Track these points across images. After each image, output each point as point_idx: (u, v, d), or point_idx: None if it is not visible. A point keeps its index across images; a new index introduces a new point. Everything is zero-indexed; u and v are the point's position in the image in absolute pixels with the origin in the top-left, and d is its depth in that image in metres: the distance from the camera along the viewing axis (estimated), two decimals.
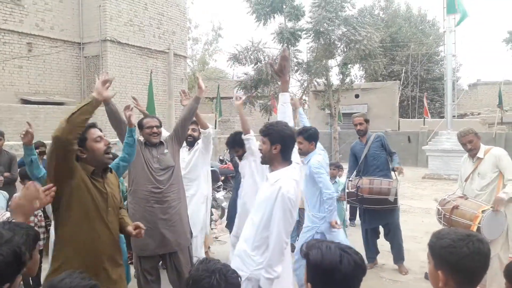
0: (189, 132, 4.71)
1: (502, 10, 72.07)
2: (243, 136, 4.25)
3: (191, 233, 4.17)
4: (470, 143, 4.24)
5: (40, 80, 14.54)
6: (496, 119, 17.09)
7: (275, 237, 2.49)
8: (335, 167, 6.22)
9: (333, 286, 1.48)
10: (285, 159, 2.65)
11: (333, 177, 5.97)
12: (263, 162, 2.76)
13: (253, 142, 4.18)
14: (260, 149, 2.76)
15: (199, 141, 4.81)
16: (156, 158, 3.78)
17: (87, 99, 2.34)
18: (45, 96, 14.39)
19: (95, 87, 2.39)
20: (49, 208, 4.53)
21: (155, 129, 3.86)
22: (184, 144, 4.53)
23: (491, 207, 3.91)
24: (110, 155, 2.55)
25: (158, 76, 16.98)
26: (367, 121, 5.29)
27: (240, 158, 4.61)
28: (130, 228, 2.64)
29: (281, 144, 2.60)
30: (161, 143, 3.90)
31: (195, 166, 4.74)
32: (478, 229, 3.77)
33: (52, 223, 4.43)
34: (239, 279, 1.61)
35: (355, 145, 5.42)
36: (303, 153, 4.05)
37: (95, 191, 2.43)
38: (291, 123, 2.86)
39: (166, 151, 3.86)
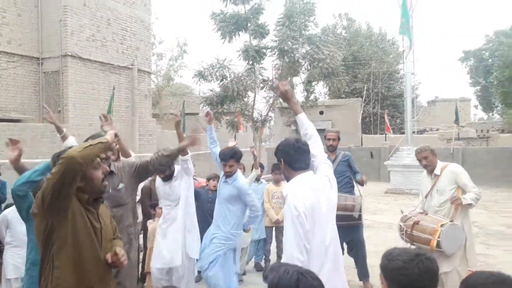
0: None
1: (458, 30, 76.25)
2: (181, 158, 4.06)
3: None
4: (425, 159, 4.37)
5: None
6: (453, 134, 17.82)
7: (285, 255, 2.29)
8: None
9: None
10: (296, 168, 2.54)
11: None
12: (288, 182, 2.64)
13: (191, 163, 4.20)
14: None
15: None
16: (106, 194, 2.85)
17: (102, 139, 2.34)
18: (0, 113, 13.76)
19: (109, 132, 2.46)
20: (1, 233, 4.25)
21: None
22: None
23: (450, 221, 4.01)
24: (106, 183, 2.39)
25: (121, 92, 16.65)
26: (339, 138, 5.37)
27: (166, 180, 4.23)
28: (108, 255, 2.35)
29: (283, 157, 2.57)
30: (111, 173, 3.13)
31: None
32: (438, 243, 3.84)
33: (7, 248, 4.16)
34: None
35: None
36: (232, 174, 4.22)
37: (89, 224, 2.25)
38: (317, 141, 2.72)
39: (121, 185, 3.19)
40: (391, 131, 21.01)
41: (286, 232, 2.32)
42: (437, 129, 26.22)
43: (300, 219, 2.28)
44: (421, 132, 25.57)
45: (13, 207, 3.60)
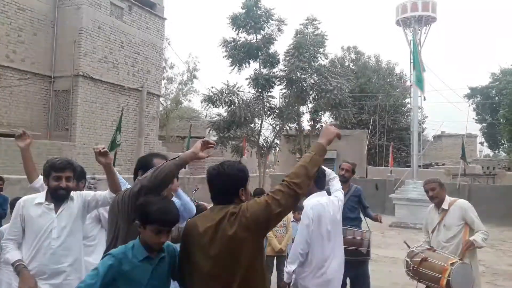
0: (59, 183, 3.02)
1: (462, 66, 77.09)
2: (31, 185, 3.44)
3: None
4: (432, 191, 4.33)
5: (5, 111, 14.07)
6: (460, 170, 17.66)
7: (293, 245, 3.53)
8: (300, 211, 5.88)
9: None
10: (319, 187, 3.54)
11: (298, 221, 5.76)
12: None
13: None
14: None
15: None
16: None
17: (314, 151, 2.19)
18: (8, 128, 13.88)
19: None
20: None
21: None
22: (43, 200, 3.02)
23: (459, 259, 3.91)
24: None
25: (130, 114, 16.81)
26: (353, 171, 5.27)
27: None
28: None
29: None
30: None
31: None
32: (448, 282, 3.73)
33: (1, 266, 4.07)
34: None
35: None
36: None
37: None
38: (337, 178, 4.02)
39: None
40: (393, 164, 20.88)
41: (299, 231, 3.51)
42: (443, 164, 26.08)
43: (310, 224, 3.38)
44: (426, 166, 25.40)
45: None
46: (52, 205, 3.00)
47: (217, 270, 2.02)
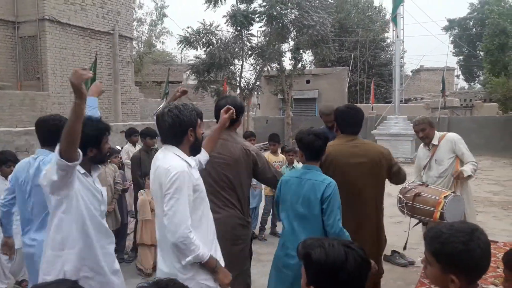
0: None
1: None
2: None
3: None
4: (422, 131, 4.36)
5: None
6: (440, 103, 17.88)
7: None
8: (292, 153, 5.82)
9: (340, 286, 1.38)
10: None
11: (290, 163, 5.81)
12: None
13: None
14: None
15: None
16: None
17: None
18: None
19: None
20: None
21: None
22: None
23: (452, 192, 3.96)
24: None
25: (103, 59, 16.04)
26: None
27: None
28: None
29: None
30: None
31: None
32: (441, 214, 3.80)
33: None
34: None
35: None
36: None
37: None
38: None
39: None
40: (374, 101, 21.01)
41: None
42: (422, 98, 26.36)
43: None
44: (406, 101, 25.65)
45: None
46: None
47: (366, 181, 3.08)
